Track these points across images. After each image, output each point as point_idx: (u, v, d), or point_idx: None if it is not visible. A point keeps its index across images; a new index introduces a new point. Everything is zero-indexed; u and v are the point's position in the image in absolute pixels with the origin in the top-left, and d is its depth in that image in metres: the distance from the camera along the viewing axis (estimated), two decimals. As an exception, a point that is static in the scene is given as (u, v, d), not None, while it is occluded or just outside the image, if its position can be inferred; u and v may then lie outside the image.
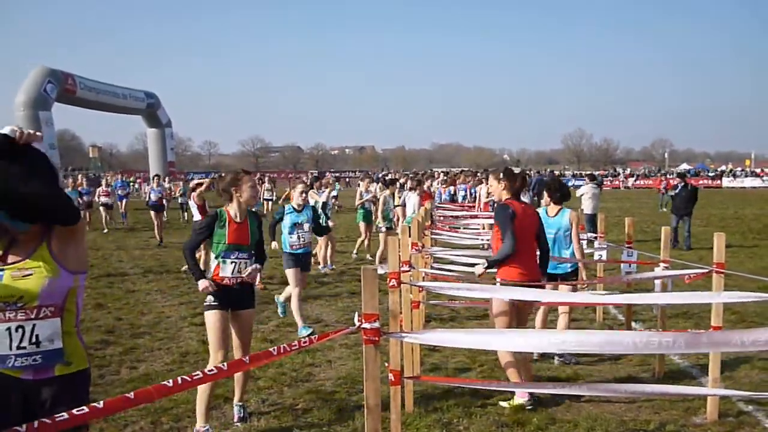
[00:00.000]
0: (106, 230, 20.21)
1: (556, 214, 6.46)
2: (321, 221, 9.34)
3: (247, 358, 2.80)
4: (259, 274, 5.07)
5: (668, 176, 39.88)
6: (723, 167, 78.16)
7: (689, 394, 5.11)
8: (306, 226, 7.91)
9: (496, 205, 5.52)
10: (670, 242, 13.74)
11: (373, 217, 13.33)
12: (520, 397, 5.13)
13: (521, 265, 5.16)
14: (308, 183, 13.53)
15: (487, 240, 9.84)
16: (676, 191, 15.75)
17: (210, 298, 4.68)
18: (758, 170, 68.53)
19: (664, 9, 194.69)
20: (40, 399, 2.55)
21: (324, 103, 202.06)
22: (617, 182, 62.73)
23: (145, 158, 58.50)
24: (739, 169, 73.57)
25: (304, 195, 8.11)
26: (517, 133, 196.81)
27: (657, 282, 6.25)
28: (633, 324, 7.24)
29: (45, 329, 2.51)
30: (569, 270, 6.40)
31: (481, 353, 6.16)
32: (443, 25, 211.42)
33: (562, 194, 6.53)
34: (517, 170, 5.47)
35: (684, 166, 79.05)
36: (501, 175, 5.41)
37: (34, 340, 2.50)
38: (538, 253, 5.37)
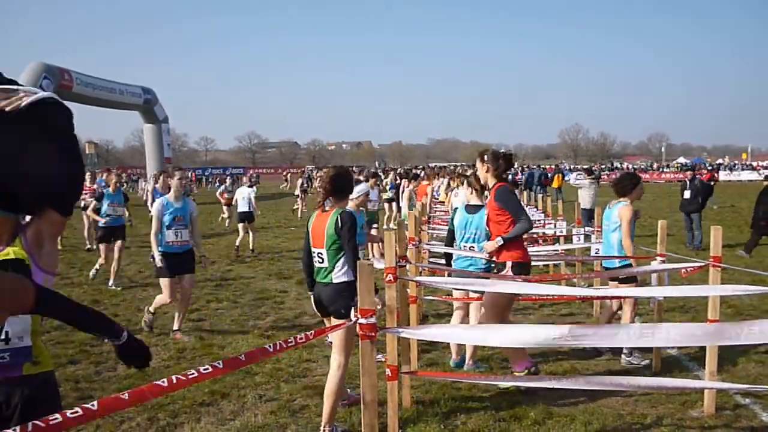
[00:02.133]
0: (89, 246, 14.80)
1: (612, 206, 6.33)
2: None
3: (243, 355, 2.78)
4: None
5: (710, 168, 35.66)
6: (720, 161, 78.22)
7: (686, 387, 5.11)
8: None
9: (493, 188, 5.34)
10: (687, 244, 13.62)
11: (389, 213, 12.69)
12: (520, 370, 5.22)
13: (523, 245, 5.30)
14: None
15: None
16: (686, 187, 14.54)
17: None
18: (755, 164, 68.57)
19: (660, 5, 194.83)
20: (7, 401, 2.42)
21: (321, 98, 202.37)
22: (612, 176, 62.69)
23: (141, 154, 58.26)
24: (735, 162, 73.62)
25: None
26: (514, 128, 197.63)
27: (654, 276, 6.25)
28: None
29: (15, 325, 2.40)
30: (618, 265, 6.19)
31: (478, 347, 6.14)
32: (440, 22, 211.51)
33: (617, 187, 6.42)
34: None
35: (681, 160, 79.14)
36: (485, 157, 5.32)
37: (3, 336, 2.39)
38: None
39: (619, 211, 6.20)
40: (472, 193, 6.21)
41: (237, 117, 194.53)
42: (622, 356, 6.15)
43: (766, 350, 6.23)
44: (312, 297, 4.83)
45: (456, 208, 6.43)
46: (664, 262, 5.92)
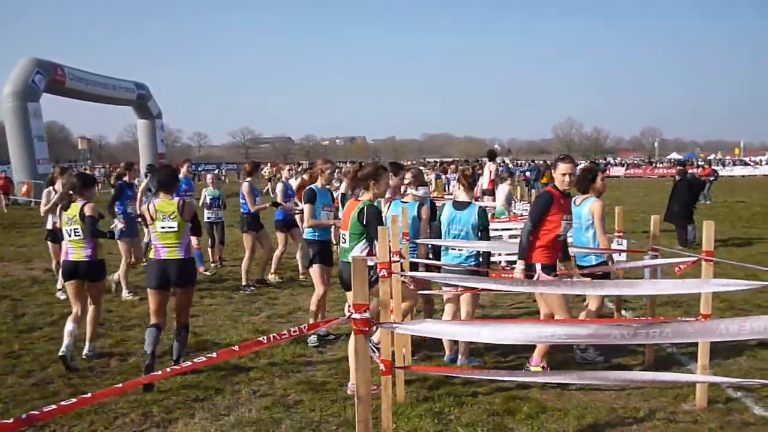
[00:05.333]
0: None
1: (580, 204, 6.17)
2: None
3: (237, 346, 2.79)
4: None
5: (710, 164, 34.14)
6: (712, 156, 78.48)
7: (678, 381, 5.15)
8: None
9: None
10: (679, 240, 13.69)
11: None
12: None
13: (550, 246, 5.43)
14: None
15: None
16: (675, 182, 14.59)
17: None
18: (747, 159, 68.81)
19: (654, 1, 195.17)
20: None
21: (314, 94, 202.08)
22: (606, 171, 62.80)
23: (134, 150, 58.11)
24: (728, 157, 73.88)
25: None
26: (508, 123, 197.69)
27: (646, 271, 6.26)
28: (623, 312, 7.27)
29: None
30: (594, 263, 6.10)
31: (471, 342, 6.15)
32: (433, 18, 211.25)
33: (579, 185, 6.23)
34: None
35: (674, 156, 79.36)
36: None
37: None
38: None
39: (590, 207, 6.07)
40: (459, 188, 6.20)
41: (231, 112, 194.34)
42: (577, 351, 6.11)
43: (758, 344, 6.26)
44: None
45: (443, 204, 6.41)
46: (656, 257, 5.94)
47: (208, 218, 11.12)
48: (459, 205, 6.05)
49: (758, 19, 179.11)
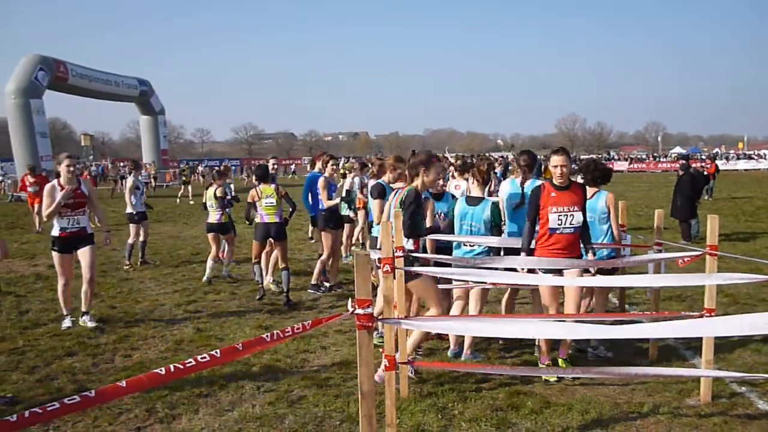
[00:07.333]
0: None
1: (591, 197, 6.00)
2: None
3: (240, 344, 2.78)
4: None
5: (714, 160, 33.29)
6: (716, 150, 78.21)
7: (682, 375, 5.13)
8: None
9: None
10: (682, 235, 13.71)
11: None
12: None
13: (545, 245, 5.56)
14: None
15: None
16: (678, 177, 14.44)
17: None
18: (751, 152, 68.55)
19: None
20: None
21: (317, 89, 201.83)
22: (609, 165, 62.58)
23: (137, 146, 58.14)
24: (732, 151, 73.60)
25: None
26: (511, 118, 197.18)
27: (650, 265, 6.24)
28: (626, 307, 7.25)
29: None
30: (605, 257, 5.98)
31: (475, 337, 6.15)
32: (436, 11, 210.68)
33: (595, 176, 6.18)
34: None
35: (677, 150, 79.13)
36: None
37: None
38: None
39: (606, 200, 6.03)
40: (473, 183, 6.17)
41: (233, 109, 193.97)
42: (588, 349, 6.07)
43: (762, 339, 6.25)
44: None
45: (457, 198, 6.38)
46: (660, 251, 5.92)
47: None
48: (471, 201, 6.02)
49: (761, 13, 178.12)
